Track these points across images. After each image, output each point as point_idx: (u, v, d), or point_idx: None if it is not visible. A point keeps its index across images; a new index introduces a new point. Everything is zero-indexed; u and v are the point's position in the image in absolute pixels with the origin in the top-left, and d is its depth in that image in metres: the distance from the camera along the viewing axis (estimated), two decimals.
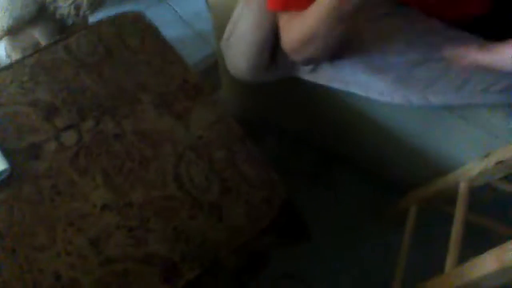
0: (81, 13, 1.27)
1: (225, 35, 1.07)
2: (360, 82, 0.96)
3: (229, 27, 1.05)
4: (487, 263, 0.73)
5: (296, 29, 0.91)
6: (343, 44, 0.93)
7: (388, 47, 0.93)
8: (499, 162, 0.89)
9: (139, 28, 1.03)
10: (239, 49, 1.04)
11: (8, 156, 0.84)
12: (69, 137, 0.88)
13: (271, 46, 1.01)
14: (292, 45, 0.93)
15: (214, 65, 1.35)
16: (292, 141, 1.48)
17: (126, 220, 0.80)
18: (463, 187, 0.96)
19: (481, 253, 0.73)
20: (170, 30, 1.18)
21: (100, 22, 1.04)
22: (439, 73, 0.90)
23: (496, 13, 0.98)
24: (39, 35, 1.27)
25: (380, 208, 1.32)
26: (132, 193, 0.82)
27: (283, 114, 1.32)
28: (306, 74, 1.02)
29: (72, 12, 1.27)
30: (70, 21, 1.29)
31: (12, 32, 1.24)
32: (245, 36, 1.01)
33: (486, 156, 0.92)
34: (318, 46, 0.90)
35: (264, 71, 1.05)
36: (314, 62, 0.98)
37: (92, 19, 1.30)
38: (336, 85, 0.99)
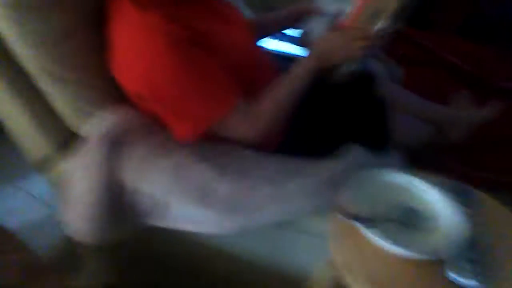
0: None
1: (63, 202, 1.08)
2: (191, 219, 1.04)
3: (65, 193, 1.08)
4: None
5: (262, 114, 1.06)
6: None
7: (208, 179, 1.03)
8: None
9: None
10: (79, 214, 1.06)
11: None
12: None
13: (111, 202, 1.05)
14: (263, 128, 1.06)
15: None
16: None
17: None
18: None
19: None
20: (27, 214, 1.17)
21: None
22: (259, 194, 1.01)
23: (288, 140, 1.17)
24: None
25: None
26: None
27: (152, 269, 1.31)
28: (150, 224, 1.07)
29: None
30: None
31: None
32: (82, 198, 1.04)
33: (324, 261, 1.00)
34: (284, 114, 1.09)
35: (109, 229, 1.07)
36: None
37: None
38: (174, 227, 1.06)
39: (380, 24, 1.04)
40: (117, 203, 1.07)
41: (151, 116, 1.11)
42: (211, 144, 1.11)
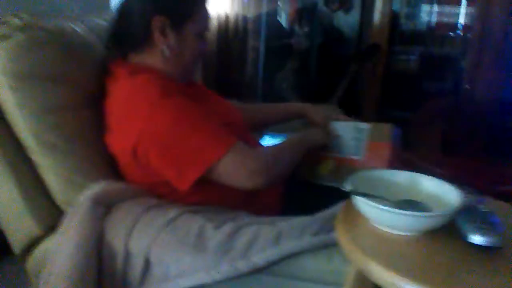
0: None
1: (43, 278, 0.99)
2: (185, 270, 0.96)
3: (46, 267, 1.00)
4: None
5: (260, 156, 1.06)
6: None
7: (203, 227, 0.99)
8: None
9: None
10: (61, 279, 0.96)
11: None
12: None
13: (95, 270, 0.98)
14: (261, 166, 1.04)
15: None
16: None
17: None
18: None
19: None
20: None
21: None
22: (255, 234, 0.97)
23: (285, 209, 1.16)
24: None
25: None
26: None
27: None
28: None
29: None
30: None
31: None
32: (66, 262, 0.96)
33: None
34: (282, 168, 1.10)
35: None
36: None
37: None
38: (165, 287, 0.98)
39: None
40: (105, 268, 1.00)
41: (143, 184, 1.11)
42: (205, 205, 1.09)
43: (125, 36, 1.13)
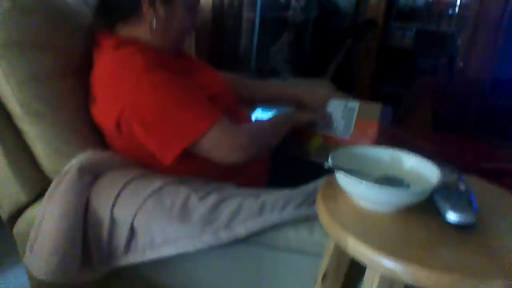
0: None
1: (28, 245, 1.02)
2: (169, 238, 0.98)
3: (32, 234, 1.02)
4: None
5: (244, 131, 1.06)
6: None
7: (188, 197, 1.01)
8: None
9: None
10: (47, 246, 0.98)
11: None
12: None
13: (80, 238, 1.00)
14: (245, 141, 1.04)
15: None
16: None
17: None
18: None
19: None
20: None
21: None
22: (238, 205, 0.99)
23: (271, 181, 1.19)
24: None
25: None
26: None
27: None
28: (123, 260, 1.02)
29: None
30: None
31: None
32: (52, 230, 0.98)
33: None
34: (265, 143, 1.12)
35: (77, 270, 1.00)
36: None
37: None
38: (150, 254, 1.00)
39: None
40: (91, 236, 1.01)
41: (129, 155, 1.11)
42: (190, 177, 1.10)
43: (114, 6, 1.12)
